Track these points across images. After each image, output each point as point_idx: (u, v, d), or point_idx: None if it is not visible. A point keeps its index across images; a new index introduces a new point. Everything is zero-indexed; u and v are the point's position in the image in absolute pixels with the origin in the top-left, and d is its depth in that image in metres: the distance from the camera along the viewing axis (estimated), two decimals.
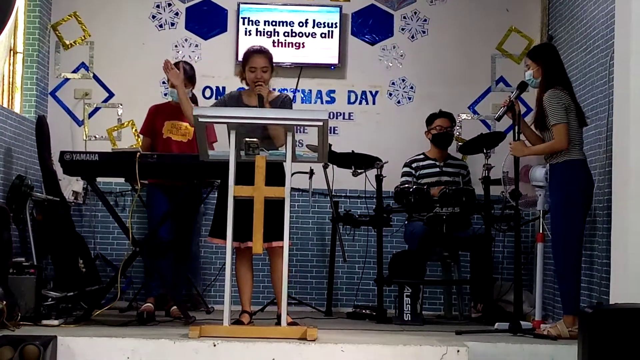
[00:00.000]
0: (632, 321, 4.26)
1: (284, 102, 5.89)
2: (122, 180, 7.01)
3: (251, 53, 5.93)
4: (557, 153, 5.76)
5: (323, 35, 8.02)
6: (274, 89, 6.06)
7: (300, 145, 7.61)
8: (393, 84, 8.12)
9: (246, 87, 6.05)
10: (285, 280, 5.27)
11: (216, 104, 6.19)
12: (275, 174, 5.52)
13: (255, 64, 5.83)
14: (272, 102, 5.84)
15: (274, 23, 8.03)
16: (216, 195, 6.66)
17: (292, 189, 5.45)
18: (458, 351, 4.90)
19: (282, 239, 5.31)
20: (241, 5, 8.02)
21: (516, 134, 5.96)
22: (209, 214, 7.59)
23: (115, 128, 8.04)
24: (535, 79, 5.94)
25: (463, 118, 8.04)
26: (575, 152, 5.75)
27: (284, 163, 5.38)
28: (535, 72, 5.93)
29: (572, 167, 5.72)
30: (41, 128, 7.42)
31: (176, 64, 6.72)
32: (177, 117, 6.75)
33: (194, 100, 7.28)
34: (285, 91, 7.53)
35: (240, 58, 7.91)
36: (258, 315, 6.40)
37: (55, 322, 5.60)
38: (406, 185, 6.98)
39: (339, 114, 8.06)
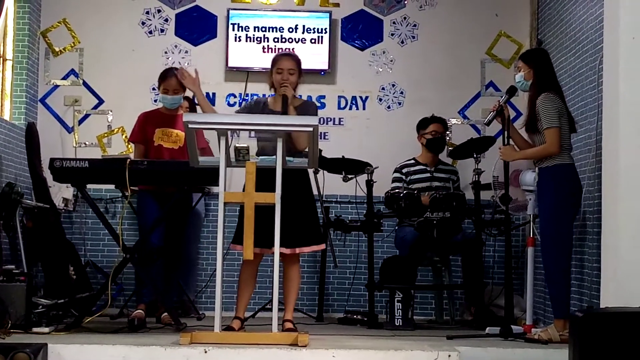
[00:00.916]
0: (622, 325, 4.27)
1: (306, 108, 5.90)
2: (112, 186, 6.99)
3: (279, 56, 6.00)
4: (547, 157, 5.77)
5: (313, 40, 8.02)
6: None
7: None
8: (383, 89, 8.13)
9: (270, 94, 6.07)
10: (276, 285, 5.27)
11: (241, 110, 6.20)
12: (299, 180, 5.56)
13: (282, 66, 5.86)
14: (298, 107, 5.85)
15: (263, 29, 8.03)
16: (209, 202, 6.71)
17: None
18: (449, 356, 4.90)
19: (306, 244, 5.68)
20: (231, 11, 8.02)
21: (506, 139, 5.97)
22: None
23: (105, 135, 8.03)
24: (525, 82, 5.96)
25: (453, 123, 8.05)
26: (565, 157, 5.77)
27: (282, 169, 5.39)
28: (527, 74, 5.94)
29: (562, 171, 5.73)
30: (31, 135, 7.41)
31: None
32: (168, 124, 6.72)
33: (191, 105, 7.28)
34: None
35: (230, 64, 7.95)
36: (249, 322, 6.39)
37: (46, 329, 5.58)
38: (397, 191, 6.99)
39: (329, 120, 8.06)
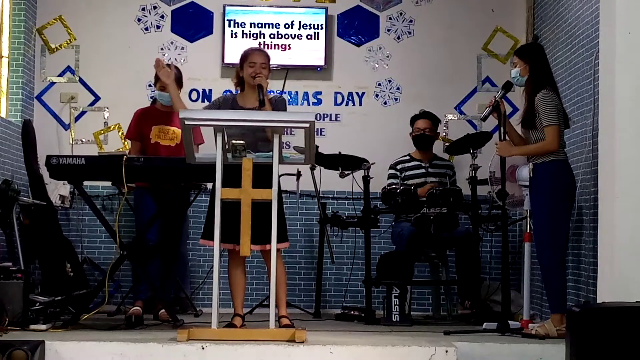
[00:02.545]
0: (619, 320, 4.28)
1: (278, 102, 5.89)
2: (109, 183, 6.99)
3: (251, 50, 6.00)
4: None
5: (309, 36, 8.02)
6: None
7: (287, 147, 7.62)
8: (379, 85, 8.13)
9: (235, 92, 6.05)
10: (274, 281, 5.27)
11: (209, 107, 6.17)
12: (265, 177, 5.52)
13: (255, 59, 5.84)
14: (270, 101, 5.83)
15: (259, 25, 8.03)
16: (206, 198, 6.62)
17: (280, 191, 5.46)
18: (446, 351, 4.91)
19: (280, 240, 5.48)
20: (227, 8, 8.01)
21: (502, 134, 5.97)
22: (196, 216, 7.60)
23: (102, 131, 8.02)
24: (521, 77, 5.94)
25: (449, 118, 8.05)
26: (560, 153, 5.76)
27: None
28: (522, 70, 5.93)
29: (556, 167, 5.73)
30: (27, 132, 7.40)
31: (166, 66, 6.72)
32: (165, 121, 6.73)
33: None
34: (272, 93, 7.53)
35: (226, 60, 7.94)
36: (247, 318, 6.39)
37: (43, 326, 5.59)
38: (393, 187, 6.99)
39: (325, 116, 8.06)
